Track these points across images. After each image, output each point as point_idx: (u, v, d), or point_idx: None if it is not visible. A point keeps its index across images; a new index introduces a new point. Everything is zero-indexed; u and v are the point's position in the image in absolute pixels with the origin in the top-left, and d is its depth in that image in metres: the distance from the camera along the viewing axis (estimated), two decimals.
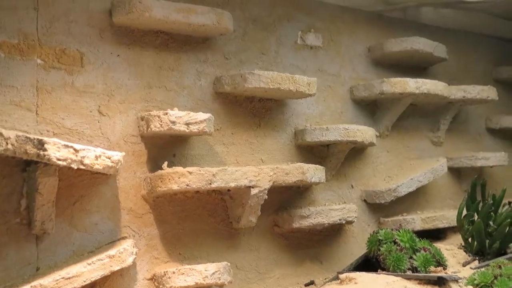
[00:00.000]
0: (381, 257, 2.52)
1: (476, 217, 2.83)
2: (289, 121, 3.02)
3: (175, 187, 2.30)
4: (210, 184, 2.34)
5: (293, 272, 2.86)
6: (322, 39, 3.24)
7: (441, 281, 2.00)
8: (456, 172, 3.72)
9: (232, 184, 2.41)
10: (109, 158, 2.08)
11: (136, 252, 2.30)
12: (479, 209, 2.83)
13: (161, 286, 2.33)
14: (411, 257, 2.48)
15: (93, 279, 2.12)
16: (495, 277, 2.18)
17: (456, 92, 3.49)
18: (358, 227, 3.16)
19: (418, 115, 3.62)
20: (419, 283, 2.01)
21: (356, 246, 3.10)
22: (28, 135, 1.94)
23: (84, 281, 2.10)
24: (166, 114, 2.33)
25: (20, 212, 2.18)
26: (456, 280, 2.10)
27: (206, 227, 2.64)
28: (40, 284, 2.01)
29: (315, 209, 2.79)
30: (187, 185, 2.30)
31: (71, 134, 2.31)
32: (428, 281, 2.01)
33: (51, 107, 2.29)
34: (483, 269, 2.35)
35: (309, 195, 3.02)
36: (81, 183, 2.33)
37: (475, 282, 2.19)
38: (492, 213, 2.77)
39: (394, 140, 3.49)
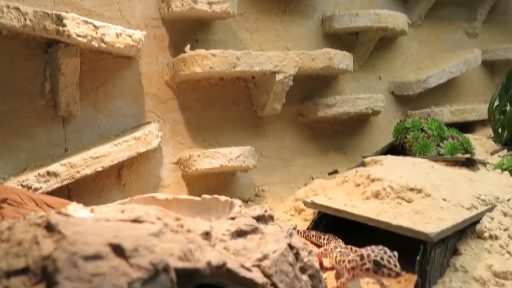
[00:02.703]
0: (407, 144, 2.48)
1: (508, 107, 2.73)
2: (316, 7, 2.86)
3: (198, 70, 2.25)
4: (234, 67, 2.28)
5: (317, 162, 2.87)
6: None
7: (469, 162, 1.96)
8: (490, 66, 3.55)
9: (257, 68, 2.34)
10: (130, 37, 2.02)
11: (161, 136, 2.31)
12: None
13: (186, 169, 2.36)
14: (438, 145, 2.44)
15: (120, 160, 2.16)
16: None
17: None
18: (384, 119, 3.10)
19: (454, 3, 3.39)
20: (446, 165, 1.98)
21: (381, 138, 3.06)
22: (46, 11, 1.88)
23: (112, 161, 2.14)
24: None
25: (45, 95, 2.18)
26: (484, 164, 2.06)
27: (231, 115, 2.62)
28: (69, 162, 2.06)
29: (341, 97, 2.72)
30: (211, 68, 2.24)
31: (90, 16, 2.23)
32: (456, 162, 1.98)
33: None
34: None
35: (335, 86, 2.94)
36: (104, 67, 2.30)
37: (504, 166, 2.15)
38: None
39: (426, 31, 3.31)
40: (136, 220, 1.16)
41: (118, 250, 0.97)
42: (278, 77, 2.41)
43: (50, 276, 0.88)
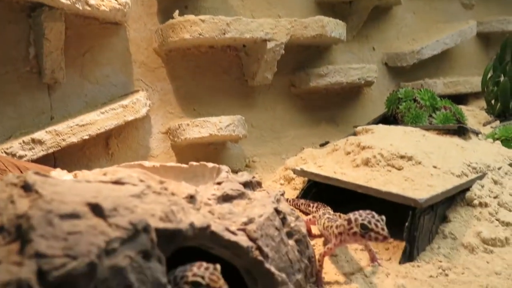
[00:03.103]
0: (399, 114, 2.45)
1: (502, 78, 2.70)
2: None
3: (187, 36, 2.19)
4: (224, 34, 2.23)
5: (309, 133, 2.84)
6: None
7: (461, 130, 1.94)
8: (484, 39, 3.50)
9: (247, 36, 2.29)
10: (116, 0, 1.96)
11: (149, 104, 2.27)
12: (507, 70, 2.69)
13: (175, 139, 2.33)
14: (430, 116, 2.42)
15: (107, 128, 2.11)
16: None
17: None
18: (377, 91, 3.06)
19: None
20: (438, 133, 1.96)
21: (374, 110, 3.03)
22: None
23: (98, 129, 2.09)
24: None
25: (30, 61, 2.13)
26: (476, 133, 2.04)
27: (221, 84, 2.58)
28: (55, 130, 2.02)
29: (334, 67, 2.68)
30: (200, 34, 2.19)
31: None
32: (447, 131, 1.95)
33: None
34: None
35: (327, 56, 2.89)
36: (90, 33, 2.24)
37: (495, 136, 2.13)
38: None
39: (422, 1, 3.25)
40: (117, 182, 1.13)
41: (96, 209, 0.94)
42: (269, 45, 2.36)
43: (24, 234, 0.85)
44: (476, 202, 1.62)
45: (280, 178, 2.12)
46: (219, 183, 1.38)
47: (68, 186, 1.03)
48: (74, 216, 0.90)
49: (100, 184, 1.09)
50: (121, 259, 0.88)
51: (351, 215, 1.28)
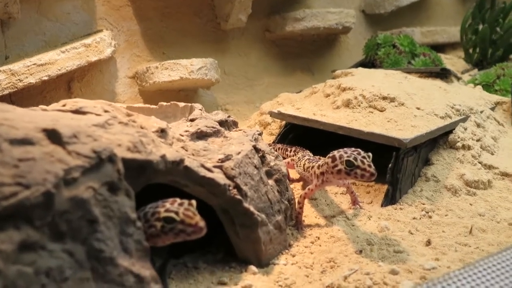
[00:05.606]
0: (378, 61, 2.37)
1: (481, 26, 2.63)
2: None
3: None
4: None
5: (283, 81, 2.73)
6: None
7: (444, 73, 1.87)
8: None
9: None
10: None
11: (114, 45, 2.10)
12: (486, 17, 2.62)
13: (144, 83, 2.18)
14: (409, 62, 2.34)
15: (68, 69, 1.95)
16: (498, 77, 2.06)
17: None
18: (354, 40, 2.96)
19: None
20: (420, 76, 1.89)
21: (350, 59, 2.93)
22: None
23: (59, 70, 1.93)
24: None
25: None
26: (457, 78, 1.98)
27: (192, 27, 2.42)
28: (10, 69, 1.84)
29: (311, 11, 2.55)
30: None
31: None
32: (429, 74, 1.88)
33: None
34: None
35: (304, 1, 2.75)
36: None
37: (476, 81, 2.08)
38: (500, 19, 2.56)
39: None
40: (78, 111, 1.00)
41: (53, 136, 0.82)
42: None
43: None
44: (459, 144, 1.57)
45: (256, 124, 2.02)
46: (192, 120, 1.28)
47: (20, 113, 0.91)
48: (26, 142, 0.78)
49: (58, 113, 0.97)
50: (83, 190, 0.77)
51: (336, 152, 1.20)
